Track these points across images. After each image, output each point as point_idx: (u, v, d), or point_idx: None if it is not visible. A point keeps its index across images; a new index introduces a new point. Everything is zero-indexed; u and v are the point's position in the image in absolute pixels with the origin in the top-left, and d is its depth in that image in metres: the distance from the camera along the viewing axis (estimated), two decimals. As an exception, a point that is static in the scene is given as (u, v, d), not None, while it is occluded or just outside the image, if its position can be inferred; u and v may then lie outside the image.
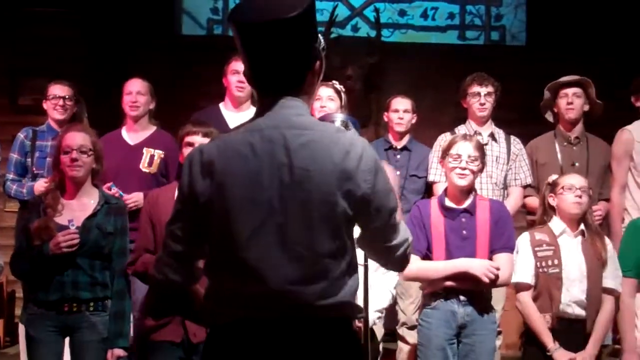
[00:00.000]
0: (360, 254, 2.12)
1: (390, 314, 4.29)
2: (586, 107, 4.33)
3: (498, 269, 3.25)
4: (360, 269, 2.58)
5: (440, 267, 3.28)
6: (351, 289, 1.91)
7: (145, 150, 4.33)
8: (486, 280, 3.23)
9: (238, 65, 4.21)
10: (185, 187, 1.92)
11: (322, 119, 3.15)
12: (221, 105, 4.46)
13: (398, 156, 4.57)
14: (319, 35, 1.98)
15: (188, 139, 3.31)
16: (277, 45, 1.87)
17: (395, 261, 2.04)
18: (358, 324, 2.99)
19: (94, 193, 3.43)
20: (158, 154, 4.32)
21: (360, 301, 2.32)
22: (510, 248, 3.35)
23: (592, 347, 3.31)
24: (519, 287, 3.43)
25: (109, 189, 3.91)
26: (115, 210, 3.42)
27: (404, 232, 2.02)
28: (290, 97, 1.92)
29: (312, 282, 1.83)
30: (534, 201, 4.29)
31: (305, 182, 1.83)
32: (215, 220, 1.87)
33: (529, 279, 3.39)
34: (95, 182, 3.45)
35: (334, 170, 1.84)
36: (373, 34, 6.20)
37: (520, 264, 3.41)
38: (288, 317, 1.83)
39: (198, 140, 3.20)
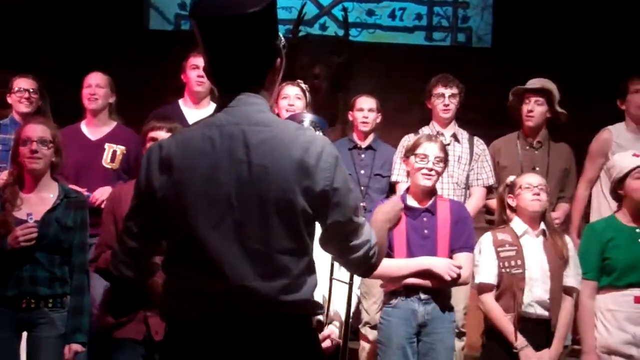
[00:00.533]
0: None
1: (354, 313, 4.31)
2: (548, 115, 4.37)
3: (460, 267, 3.28)
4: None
5: (402, 265, 3.30)
6: (311, 286, 1.91)
7: (107, 145, 4.30)
8: (448, 278, 3.27)
9: (197, 61, 4.21)
10: (142, 182, 1.91)
11: (291, 118, 3.17)
12: (180, 101, 4.44)
13: (362, 155, 4.58)
14: (280, 33, 1.98)
15: (152, 134, 3.28)
16: (238, 41, 1.86)
17: (357, 263, 2.02)
18: (334, 328, 3.04)
19: (53, 187, 3.39)
20: (120, 149, 4.30)
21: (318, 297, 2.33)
22: (469, 247, 3.40)
23: (556, 345, 3.34)
24: (482, 288, 3.45)
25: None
26: (75, 204, 3.39)
27: (367, 234, 2.00)
28: (250, 93, 1.91)
29: (271, 279, 1.83)
30: (494, 201, 4.35)
31: (264, 179, 1.83)
32: (173, 217, 1.86)
33: (492, 279, 3.42)
34: (54, 176, 3.41)
35: (292, 167, 1.84)
36: (341, 33, 6.20)
37: (483, 264, 3.43)
38: (247, 314, 1.83)
39: (162, 135, 3.17)
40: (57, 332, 3.27)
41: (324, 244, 2.00)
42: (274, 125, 1.90)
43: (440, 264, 3.28)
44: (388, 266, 3.30)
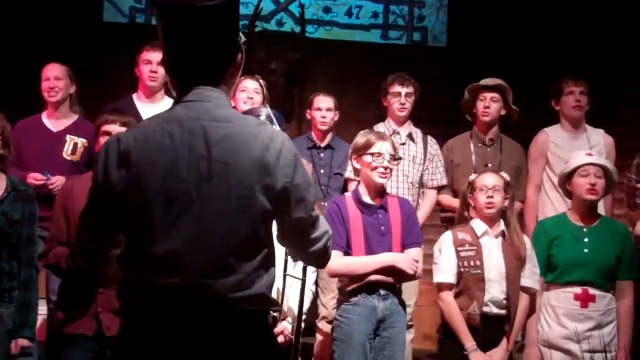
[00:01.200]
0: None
1: (311, 308, 4.33)
2: (503, 112, 4.44)
3: (417, 262, 3.33)
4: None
5: (367, 262, 3.32)
6: (267, 282, 1.92)
7: (68, 137, 4.25)
8: (411, 272, 3.31)
9: (149, 55, 4.18)
10: (100, 176, 1.88)
11: (248, 112, 3.17)
12: (134, 96, 4.40)
13: (322, 154, 4.60)
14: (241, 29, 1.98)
15: (105, 127, 3.24)
16: (199, 33, 1.86)
17: (316, 255, 2.05)
18: (287, 324, 3.05)
19: (1, 179, 3.31)
20: (82, 142, 4.25)
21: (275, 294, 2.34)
22: (419, 243, 3.44)
23: (504, 345, 3.39)
24: (442, 287, 3.48)
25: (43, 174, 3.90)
26: (23, 197, 3.32)
27: (324, 225, 2.04)
28: (210, 87, 1.91)
29: (227, 274, 1.83)
30: (447, 199, 4.41)
31: (224, 175, 1.83)
32: (131, 211, 1.85)
33: (452, 278, 3.45)
34: (2, 168, 3.34)
35: (253, 164, 1.85)
36: (298, 29, 6.20)
37: (443, 263, 3.46)
38: (202, 309, 1.82)
39: (116, 129, 3.14)
40: (5, 328, 3.22)
41: (284, 239, 2.02)
42: (234, 122, 1.89)
43: (402, 260, 3.32)
44: (353, 263, 3.33)
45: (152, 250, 1.82)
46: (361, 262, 3.33)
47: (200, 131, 1.85)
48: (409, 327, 4.32)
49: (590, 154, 3.57)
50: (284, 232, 1.99)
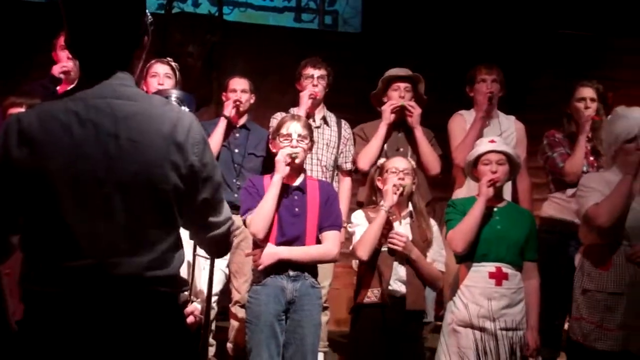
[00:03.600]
0: None
1: (224, 292, 4.33)
2: (412, 101, 4.47)
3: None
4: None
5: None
6: (178, 262, 1.92)
7: None
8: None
9: None
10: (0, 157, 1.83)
11: (157, 94, 3.12)
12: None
13: (237, 134, 4.58)
14: (152, 7, 1.95)
15: (12, 110, 3.16)
16: (103, 13, 1.82)
17: (217, 240, 2.06)
18: (198, 305, 3.03)
19: None
20: None
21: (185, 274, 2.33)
22: (338, 226, 3.47)
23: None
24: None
25: None
26: None
27: (227, 212, 2.05)
28: (115, 68, 1.88)
29: (139, 254, 1.82)
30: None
31: (133, 153, 1.81)
32: (34, 192, 1.80)
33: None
34: None
35: (162, 142, 1.84)
36: (214, 10, 6.13)
37: (359, 231, 3.49)
38: (113, 290, 1.80)
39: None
40: None
41: (187, 220, 2.00)
42: (141, 100, 1.88)
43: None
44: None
45: (58, 231, 1.79)
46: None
47: (106, 109, 1.82)
48: (324, 309, 4.39)
49: (493, 141, 3.67)
50: (190, 212, 1.97)
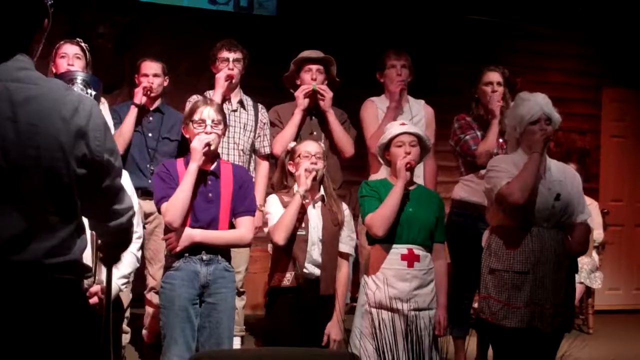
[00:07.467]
0: None
1: (139, 279, 4.27)
2: (325, 83, 4.49)
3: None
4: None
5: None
6: (79, 249, 1.90)
7: None
8: None
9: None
10: None
11: (61, 76, 3.02)
12: None
13: (151, 118, 4.50)
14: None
15: None
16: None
17: (119, 229, 2.04)
18: (96, 288, 2.96)
19: None
20: None
21: (88, 261, 2.28)
22: (252, 211, 3.45)
23: (336, 316, 3.51)
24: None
25: None
26: None
27: (128, 200, 2.04)
28: (14, 50, 1.83)
29: (37, 240, 1.79)
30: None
31: (33, 137, 1.78)
32: None
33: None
34: None
35: (63, 127, 1.81)
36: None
37: (275, 214, 3.51)
38: (10, 277, 1.77)
39: None
40: None
41: (87, 208, 1.97)
42: (40, 83, 1.84)
43: None
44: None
45: None
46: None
47: (3, 92, 1.78)
48: (241, 293, 4.39)
49: (403, 124, 3.73)
50: (90, 201, 1.95)
